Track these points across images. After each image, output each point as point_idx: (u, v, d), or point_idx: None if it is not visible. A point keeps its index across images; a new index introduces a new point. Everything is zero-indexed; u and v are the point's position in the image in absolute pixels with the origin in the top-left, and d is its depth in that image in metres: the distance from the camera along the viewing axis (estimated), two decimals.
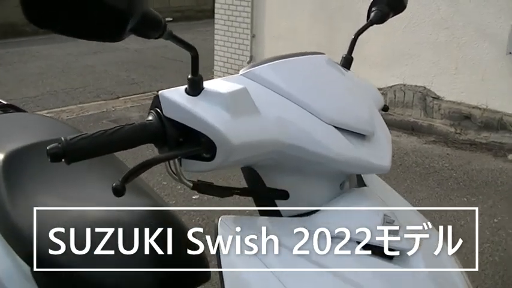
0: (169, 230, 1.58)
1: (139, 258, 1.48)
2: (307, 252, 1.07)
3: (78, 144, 0.93)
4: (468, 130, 5.53)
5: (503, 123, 5.35)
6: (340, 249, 1.09)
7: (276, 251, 1.07)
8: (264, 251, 1.06)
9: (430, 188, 4.39)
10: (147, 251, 1.49)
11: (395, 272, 1.10)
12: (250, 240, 1.07)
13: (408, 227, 1.16)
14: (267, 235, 1.09)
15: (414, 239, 1.15)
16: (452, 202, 4.18)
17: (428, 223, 1.38)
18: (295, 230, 1.10)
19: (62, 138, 0.93)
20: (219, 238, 1.08)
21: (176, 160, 1.00)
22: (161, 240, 1.54)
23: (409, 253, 1.13)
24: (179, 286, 1.55)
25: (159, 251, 1.51)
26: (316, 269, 1.05)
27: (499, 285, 3.20)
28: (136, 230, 1.51)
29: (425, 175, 4.65)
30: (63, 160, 0.94)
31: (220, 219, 1.10)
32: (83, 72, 8.46)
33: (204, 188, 1.06)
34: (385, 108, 1.41)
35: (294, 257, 1.06)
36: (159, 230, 1.54)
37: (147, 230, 1.52)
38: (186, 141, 0.99)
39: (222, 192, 1.09)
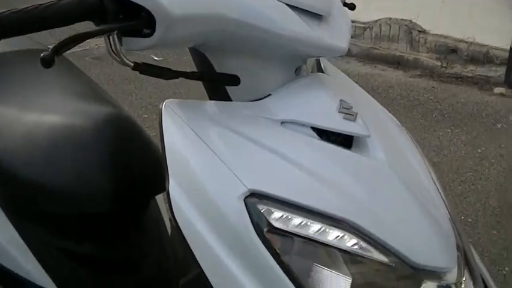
0: (128, 136, 1.52)
1: (95, 163, 1.42)
2: (256, 136, 0.99)
3: (8, 18, 0.85)
4: (454, 64, 5.45)
5: (490, 56, 5.27)
6: (292, 134, 1.02)
7: (223, 135, 1.00)
8: (210, 135, 0.99)
9: (415, 120, 4.34)
10: (104, 156, 1.44)
11: (353, 159, 1.04)
12: (196, 123, 1.00)
13: (367, 114, 1.09)
14: (214, 119, 1.02)
15: (373, 126, 1.09)
16: (436, 133, 4.14)
17: (393, 118, 1.32)
18: (244, 114, 1.03)
19: None
20: (163, 123, 1.00)
21: (116, 39, 0.91)
22: (120, 146, 1.48)
23: (368, 140, 1.06)
24: (136, 193, 1.50)
25: (117, 157, 1.45)
26: (266, 152, 0.98)
27: (480, 212, 3.18)
28: (93, 136, 1.45)
29: (410, 107, 4.59)
30: None
31: (164, 103, 1.02)
32: None
33: (146, 68, 0.97)
34: (351, 7, 1.33)
35: (241, 141, 0.99)
36: (117, 135, 1.48)
37: (104, 135, 1.46)
38: (126, 18, 0.90)
39: (166, 73, 1.00)
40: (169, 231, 1.64)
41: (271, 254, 0.91)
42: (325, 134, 1.04)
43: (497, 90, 5.05)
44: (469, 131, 4.22)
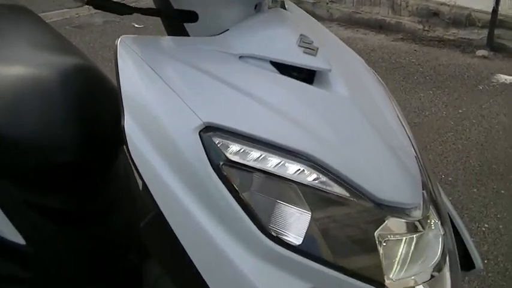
0: (95, 86, 1.48)
1: (62, 114, 1.38)
2: (213, 70, 0.95)
3: None
4: (436, 27, 5.42)
5: (472, 19, 5.24)
6: (251, 69, 0.98)
7: (178, 69, 0.96)
8: (165, 70, 0.95)
9: (396, 82, 4.31)
10: (71, 107, 1.40)
11: (314, 93, 1.00)
12: (152, 58, 0.96)
13: (329, 50, 1.05)
14: (170, 54, 0.97)
15: (335, 61, 1.05)
16: (417, 95, 4.11)
17: (358, 57, 1.29)
18: (201, 49, 0.99)
19: None
20: (118, 58, 0.96)
21: None
22: (87, 96, 1.44)
23: (330, 76, 1.03)
24: (104, 144, 1.46)
25: (84, 107, 1.41)
26: (223, 86, 0.94)
27: (460, 171, 3.17)
28: (60, 86, 1.41)
29: (392, 70, 4.56)
30: None
31: (120, 39, 0.98)
32: None
33: (100, 3, 0.93)
34: None
35: (198, 75, 0.95)
36: (84, 85, 1.44)
37: (71, 86, 1.42)
38: None
39: (121, 9, 0.96)
40: (139, 182, 1.61)
41: (229, 190, 0.88)
42: (285, 70, 1.01)
43: (480, 52, 5.03)
44: (450, 92, 4.20)
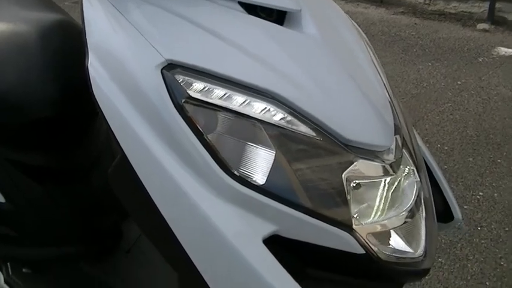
0: (74, 41, 1.46)
1: (41, 70, 1.36)
2: (177, 8, 0.93)
3: None
4: (437, 0, 5.36)
5: None
6: (217, 8, 0.96)
7: (142, 7, 0.93)
8: (128, 7, 0.92)
9: (395, 54, 4.27)
10: (50, 62, 1.38)
11: (283, 33, 0.97)
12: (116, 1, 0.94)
13: None
14: None
15: (306, 2, 1.02)
16: (416, 67, 4.07)
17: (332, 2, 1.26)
18: None
19: None
20: (84, 1, 0.95)
21: None
22: (66, 52, 1.42)
23: (300, 16, 1.00)
24: (84, 99, 1.45)
25: (64, 63, 1.39)
26: (188, 24, 0.92)
27: (457, 141, 3.15)
28: (39, 42, 1.39)
29: (391, 43, 4.52)
30: None
31: None
32: None
33: None
34: None
35: (161, 12, 0.92)
36: (63, 41, 1.42)
37: (50, 41, 1.40)
38: None
39: None
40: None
41: (193, 130, 0.86)
42: (253, 11, 0.98)
43: (480, 26, 4.97)
44: (449, 64, 4.16)
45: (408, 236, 0.99)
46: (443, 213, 1.20)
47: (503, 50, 4.48)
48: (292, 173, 0.88)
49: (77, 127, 1.50)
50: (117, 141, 0.90)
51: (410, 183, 1.03)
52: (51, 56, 1.39)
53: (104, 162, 1.54)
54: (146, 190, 0.88)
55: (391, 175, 0.97)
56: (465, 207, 2.61)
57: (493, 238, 2.44)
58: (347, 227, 0.89)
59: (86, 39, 0.92)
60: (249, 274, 0.85)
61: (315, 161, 0.90)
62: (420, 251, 0.99)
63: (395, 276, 0.97)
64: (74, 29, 1.48)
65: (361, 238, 0.90)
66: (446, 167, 2.90)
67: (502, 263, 2.31)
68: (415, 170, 1.04)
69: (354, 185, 0.91)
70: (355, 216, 0.91)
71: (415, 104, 3.46)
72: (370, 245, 0.91)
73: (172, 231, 0.88)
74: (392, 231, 0.97)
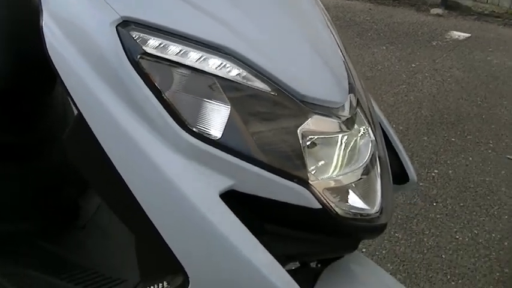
0: (29, 11, 1.42)
1: None
2: None
3: None
4: None
5: None
6: None
7: None
8: None
9: (350, 38, 4.29)
10: (2, 33, 1.34)
11: None
12: None
13: None
14: None
15: None
16: (371, 50, 4.10)
17: None
18: None
19: None
20: None
21: None
22: (20, 21, 1.38)
23: None
24: (39, 71, 1.40)
25: (17, 32, 1.35)
26: None
27: (412, 121, 3.18)
28: None
29: (346, 27, 4.54)
30: None
31: None
32: None
33: None
34: None
35: None
36: (17, 10, 1.38)
37: (2, 11, 1.36)
38: None
39: None
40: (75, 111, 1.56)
41: (149, 87, 0.84)
42: None
43: (434, 11, 5.04)
44: (404, 48, 4.20)
45: (364, 193, 0.99)
46: (399, 175, 1.20)
47: (457, 34, 4.54)
48: (247, 128, 0.88)
49: (32, 102, 1.45)
50: (73, 100, 0.88)
51: (365, 142, 1.03)
52: (3, 26, 1.34)
53: (59, 136, 1.50)
54: (103, 149, 0.87)
55: (346, 132, 0.97)
56: (421, 184, 2.64)
57: (448, 213, 2.47)
58: (303, 181, 0.89)
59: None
60: (206, 228, 0.85)
61: (270, 116, 0.90)
62: (376, 207, 0.99)
63: (353, 231, 0.97)
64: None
65: (317, 193, 0.90)
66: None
67: (457, 237, 2.34)
68: (369, 129, 1.04)
69: (309, 140, 0.91)
70: (311, 171, 0.91)
71: (370, 86, 3.48)
72: (327, 200, 0.91)
73: (130, 189, 0.87)
74: (348, 188, 0.97)
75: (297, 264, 1.24)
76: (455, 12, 5.03)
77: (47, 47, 0.89)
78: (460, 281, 2.12)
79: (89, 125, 0.88)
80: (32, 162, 1.48)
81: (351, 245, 1.02)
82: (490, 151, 2.96)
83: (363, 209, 0.97)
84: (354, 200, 0.97)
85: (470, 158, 2.89)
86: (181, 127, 0.85)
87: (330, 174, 0.94)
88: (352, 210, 0.96)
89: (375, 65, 3.85)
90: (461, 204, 2.54)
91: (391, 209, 1.03)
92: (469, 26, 4.75)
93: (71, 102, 0.90)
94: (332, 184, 0.94)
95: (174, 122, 0.85)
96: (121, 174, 0.87)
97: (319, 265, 1.13)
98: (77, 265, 1.37)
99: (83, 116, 0.88)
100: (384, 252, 2.19)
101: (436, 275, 2.13)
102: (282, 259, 0.90)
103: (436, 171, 2.75)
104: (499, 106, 3.42)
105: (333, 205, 0.92)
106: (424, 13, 5.01)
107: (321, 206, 0.90)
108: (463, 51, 4.22)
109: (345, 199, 0.96)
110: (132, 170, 0.88)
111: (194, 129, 0.85)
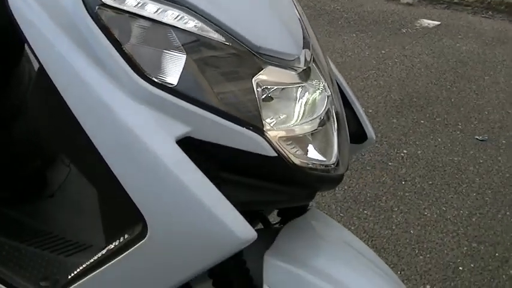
0: None
1: None
2: None
3: None
4: None
5: None
6: None
7: None
8: None
9: (320, 26, 4.30)
10: None
11: None
12: None
13: None
14: None
15: None
16: (341, 38, 4.11)
17: None
18: None
19: None
20: None
21: None
22: None
23: None
24: (4, 40, 1.39)
25: None
26: None
27: (381, 104, 3.19)
28: None
29: (316, 16, 4.54)
30: None
31: None
32: None
33: None
34: None
35: None
36: None
37: None
38: None
39: None
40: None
41: (108, 38, 0.87)
42: None
43: (404, 0, 5.07)
44: (374, 35, 4.22)
45: (320, 145, 1.01)
46: (358, 135, 1.21)
47: (427, 22, 4.58)
48: (203, 76, 0.90)
49: None
50: (35, 54, 0.91)
51: (321, 96, 1.04)
52: None
53: (26, 110, 1.49)
54: (65, 102, 0.90)
55: (301, 83, 0.99)
56: (389, 164, 2.66)
57: (417, 191, 2.49)
58: (258, 129, 0.91)
59: None
60: (163, 174, 0.87)
61: (226, 65, 0.93)
62: (333, 159, 1.01)
63: (309, 181, 0.98)
64: None
65: (272, 141, 0.92)
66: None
67: (425, 213, 2.35)
68: (325, 85, 1.05)
69: (265, 92, 0.94)
70: (266, 120, 0.92)
71: (340, 71, 3.48)
72: (282, 149, 0.93)
73: (90, 139, 0.89)
74: (304, 138, 0.98)
75: (260, 226, 1.25)
76: (425, 1, 5.06)
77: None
78: (428, 255, 2.13)
79: (50, 78, 0.91)
80: (0, 132, 1.48)
81: (308, 195, 1.03)
82: (458, 132, 2.98)
83: (319, 160, 0.99)
84: (310, 151, 0.99)
85: (439, 139, 2.91)
86: (140, 76, 0.88)
87: (285, 124, 0.96)
88: (308, 161, 0.97)
89: (344, 51, 3.86)
90: (430, 183, 2.55)
91: (347, 162, 1.05)
92: (439, 14, 4.78)
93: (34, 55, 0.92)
94: (288, 133, 0.96)
95: (133, 72, 0.88)
96: (81, 124, 0.89)
97: (282, 226, 1.14)
98: (44, 232, 1.38)
99: (44, 69, 0.91)
100: (352, 228, 2.20)
101: (405, 250, 2.15)
102: (238, 206, 0.90)
103: (405, 151, 2.77)
104: (467, 90, 3.45)
105: (288, 154, 0.94)
106: (394, 2, 5.03)
107: (276, 154, 0.92)
108: (433, 38, 4.25)
109: (301, 149, 0.97)
110: (92, 119, 0.90)
111: (152, 78, 0.88)
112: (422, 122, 3.05)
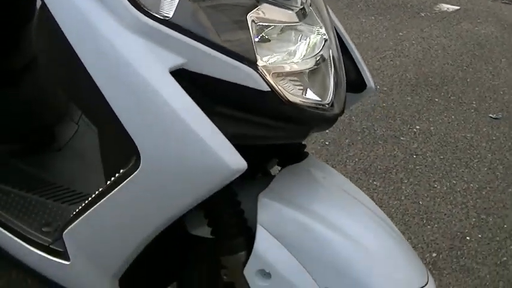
0: None
1: None
2: None
3: None
4: None
5: None
6: None
7: None
8: None
9: (339, 9, 4.29)
10: None
11: None
12: None
13: None
14: None
15: None
16: (359, 20, 4.11)
17: None
18: None
19: None
20: None
21: None
22: None
23: None
24: (12, 6, 1.43)
25: None
26: None
27: (396, 83, 3.20)
28: None
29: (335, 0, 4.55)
30: None
31: None
32: None
33: None
34: None
35: None
36: None
37: None
38: None
39: None
40: None
41: None
42: None
43: None
44: (392, 18, 4.21)
45: (316, 85, 1.02)
46: (357, 83, 1.22)
47: (446, 6, 4.55)
48: (199, 8, 0.92)
49: (10, 31, 1.48)
50: None
51: (318, 39, 1.05)
52: None
53: (37, 65, 1.54)
54: (65, 35, 0.93)
55: (297, 23, 1.00)
56: (402, 138, 2.67)
57: (428, 165, 2.50)
58: (252, 63, 0.93)
59: None
60: (157, 103, 0.89)
61: (221, 0, 0.96)
62: (328, 100, 1.02)
63: (302, 118, 0.99)
64: None
65: (266, 76, 0.93)
66: (384, 104, 2.95)
67: (435, 186, 2.36)
68: (323, 28, 1.06)
69: (259, 27, 0.95)
70: (260, 56, 0.94)
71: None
72: (276, 84, 0.94)
73: (88, 72, 0.92)
74: (300, 77, 0.99)
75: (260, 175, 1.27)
76: None
77: None
78: (436, 225, 2.14)
79: (51, 12, 0.93)
80: (11, 88, 1.52)
81: (301, 133, 1.04)
82: (472, 111, 2.98)
83: (313, 98, 1.00)
84: (304, 88, 1.00)
85: (453, 117, 2.91)
86: (136, 8, 0.90)
87: (279, 60, 0.97)
88: (302, 98, 0.98)
89: (362, 33, 3.86)
90: (441, 157, 2.56)
91: (342, 104, 1.05)
92: None
93: None
94: (282, 69, 0.97)
95: (129, 4, 0.89)
96: (79, 55, 0.92)
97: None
98: (51, 183, 1.42)
99: (45, 4, 0.94)
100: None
101: (413, 219, 2.16)
102: (231, 139, 0.92)
103: (417, 127, 2.78)
104: (484, 71, 3.44)
105: (282, 89, 0.95)
106: None
107: (269, 89, 0.93)
108: (451, 22, 4.22)
109: (295, 86, 0.98)
110: (89, 50, 0.92)
111: (148, 10, 0.90)
112: (436, 100, 3.05)
